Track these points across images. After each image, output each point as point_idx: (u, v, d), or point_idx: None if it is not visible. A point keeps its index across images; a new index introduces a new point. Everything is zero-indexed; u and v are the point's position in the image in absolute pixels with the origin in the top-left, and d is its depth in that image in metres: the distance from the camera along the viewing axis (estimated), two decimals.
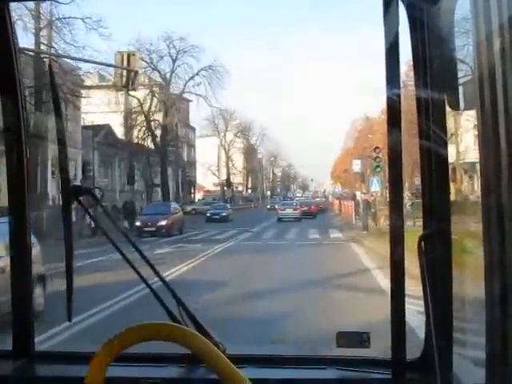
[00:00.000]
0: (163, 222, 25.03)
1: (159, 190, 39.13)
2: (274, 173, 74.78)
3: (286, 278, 11.99)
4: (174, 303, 1.86)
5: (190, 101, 42.23)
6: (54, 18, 25.02)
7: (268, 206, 50.31)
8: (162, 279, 1.92)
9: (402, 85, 1.67)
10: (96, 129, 34.61)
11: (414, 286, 1.94)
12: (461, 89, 1.66)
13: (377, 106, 36.25)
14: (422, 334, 1.80)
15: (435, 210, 1.77)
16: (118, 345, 1.46)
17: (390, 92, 1.67)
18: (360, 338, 1.87)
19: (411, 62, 1.77)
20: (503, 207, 1.08)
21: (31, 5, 22.37)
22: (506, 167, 1.06)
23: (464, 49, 1.60)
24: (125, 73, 18.32)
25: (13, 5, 2.33)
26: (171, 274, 11.73)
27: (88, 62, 25.08)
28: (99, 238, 14.58)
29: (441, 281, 1.74)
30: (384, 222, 21.40)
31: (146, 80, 36.05)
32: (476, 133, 1.20)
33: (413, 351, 1.82)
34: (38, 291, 7.94)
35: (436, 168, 1.75)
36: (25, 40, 22.86)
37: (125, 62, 18.25)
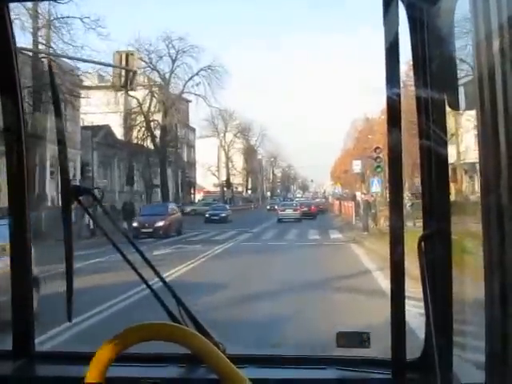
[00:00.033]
0: (160, 223, 24.79)
1: (159, 190, 39.09)
2: (273, 173, 74.74)
3: (286, 279, 11.95)
4: (174, 303, 1.86)
5: (190, 101, 42.32)
6: (52, 18, 25.02)
7: (268, 207, 50.18)
8: (161, 279, 1.92)
9: (402, 85, 1.67)
10: (95, 129, 34.60)
11: (414, 288, 1.94)
12: (461, 89, 1.66)
13: (377, 107, 36.26)
14: (421, 334, 1.80)
15: (435, 210, 1.77)
16: (118, 345, 1.46)
17: (389, 92, 1.67)
18: (360, 338, 1.87)
19: (411, 62, 1.77)
20: (503, 207, 1.08)
21: (29, 4, 22.35)
22: (506, 167, 1.06)
23: (464, 49, 1.60)
24: (123, 73, 18.31)
25: (11, 4, 2.33)
26: (171, 275, 11.69)
27: (86, 62, 25.10)
28: (98, 239, 14.56)
29: (441, 281, 1.75)
30: (384, 223, 21.38)
31: (146, 80, 36.06)
32: (476, 133, 1.20)
33: (413, 351, 1.82)
34: None
35: (436, 168, 1.75)
36: (22, 40, 22.79)
37: (123, 62, 18.24)
